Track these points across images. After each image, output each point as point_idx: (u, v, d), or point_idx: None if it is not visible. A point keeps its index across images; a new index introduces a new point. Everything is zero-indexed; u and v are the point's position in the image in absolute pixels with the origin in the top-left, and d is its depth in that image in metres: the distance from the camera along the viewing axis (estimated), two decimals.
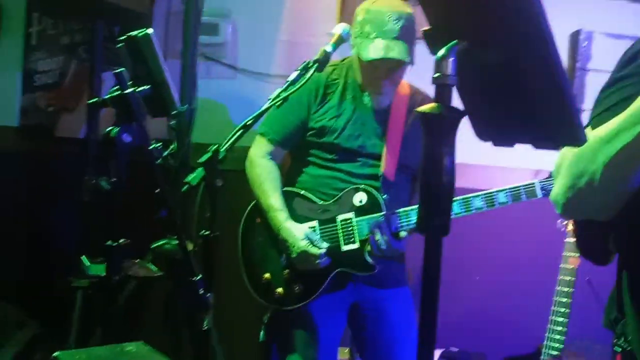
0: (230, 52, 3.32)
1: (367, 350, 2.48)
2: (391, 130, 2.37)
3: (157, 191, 1.78)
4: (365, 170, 2.37)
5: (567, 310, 2.45)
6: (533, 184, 2.18)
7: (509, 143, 0.92)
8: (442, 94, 0.81)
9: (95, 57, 2.93)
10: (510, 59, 0.81)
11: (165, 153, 1.78)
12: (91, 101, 1.85)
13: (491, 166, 3.14)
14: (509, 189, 2.21)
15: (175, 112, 1.87)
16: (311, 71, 2.27)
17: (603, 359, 2.76)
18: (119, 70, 1.74)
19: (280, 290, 2.36)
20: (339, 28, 2.43)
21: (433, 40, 0.88)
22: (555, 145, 0.90)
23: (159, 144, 1.78)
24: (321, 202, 2.37)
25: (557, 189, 1.19)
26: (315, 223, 2.35)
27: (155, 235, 2.67)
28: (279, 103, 2.20)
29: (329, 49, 2.34)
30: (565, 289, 2.47)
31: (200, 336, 2.04)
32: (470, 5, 0.83)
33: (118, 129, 1.70)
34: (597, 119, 1.16)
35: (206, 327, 2.02)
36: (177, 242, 2.55)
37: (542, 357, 2.49)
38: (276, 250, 2.37)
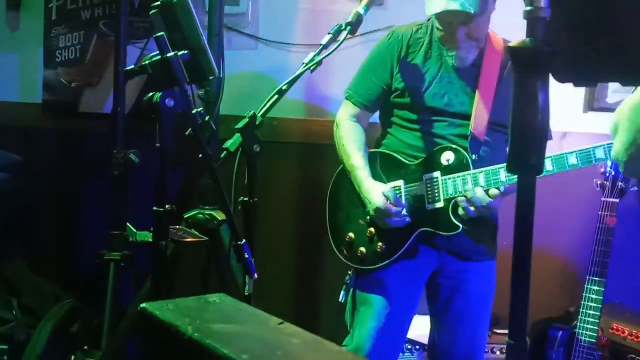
0: (251, 22, 3.29)
1: (439, 318, 2.46)
2: (482, 88, 2.30)
3: (200, 156, 1.77)
4: (453, 130, 2.32)
5: (605, 270, 2.44)
6: None
7: (592, 82, 0.90)
8: (535, 28, 0.79)
9: (118, 31, 2.90)
10: None
11: (207, 118, 1.77)
12: (128, 68, 1.83)
13: None
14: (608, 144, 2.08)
15: (213, 77, 1.86)
16: (344, 34, 2.25)
17: (636, 320, 2.77)
18: (159, 34, 1.72)
19: (362, 249, 2.36)
20: None
21: None
22: None
23: (200, 109, 1.76)
24: (407, 162, 2.35)
25: (618, 147, 1.15)
26: (400, 182, 2.33)
27: (186, 204, 2.68)
28: (313, 67, 2.18)
29: (361, 10, 2.31)
30: (603, 249, 2.46)
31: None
32: None
33: (160, 94, 1.68)
34: None
35: (248, 293, 2.03)
36: (210, 212, 2.57)
37: (580, 315, 2.48)
38: (360, 209, 2.37)
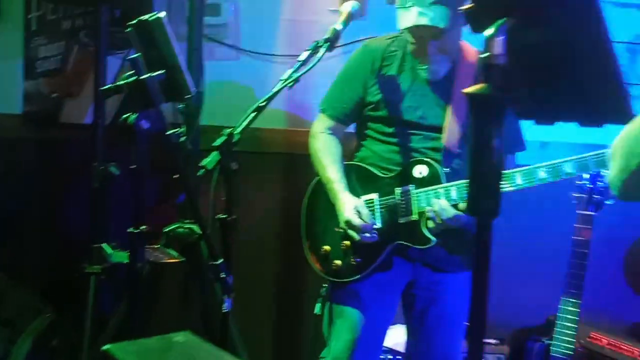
0: (232, 33, 3.29)
1: (415, 328, 2.48)
2: (455, 100, 2.31)
3: (175, 176, 1.78)
4: (427, 143, 2.34)
5: (580, 286, 2.46)
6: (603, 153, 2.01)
7: (551, 121, 0.92)
8: (491, 74, 0.80)
9: (99, 42, 2.89)
10: (560, 36, 0.80)
11: (183, 138, 1.77)
12: (105, 88, 1.83)
13: None
14: (577, 159, 2.10)
15: (189, 96, 1.86)
16: (322, 50, 2.26)
17: (614, 329, 2.81)
18: (134, 55, 1.72)
19: (338, 262, 2.37)
20: (348, 5, 2.41)
21: (476, 19, 0.87)
22: (601, 122, 0.90)
23: (177, 129, 1.77)
24: (382, 176, 2.37)
25: (612, 172, 1.17)
26: (375, 196, 2.35)
27: (165, 220, 2.68)
28: (290, 84, 2.19)
29: (339, 27, 2.32)
30: (578, 262, 2.48)
31: (219, 319, 2.05)
32: None
33: (136, 115, 1.68)
34: None
35: (225, 310, 2.04)
36: (190, 225, 2.57)
37: (555, 327, 2.51)
38: (336, 222, 2.38)
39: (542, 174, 2.13)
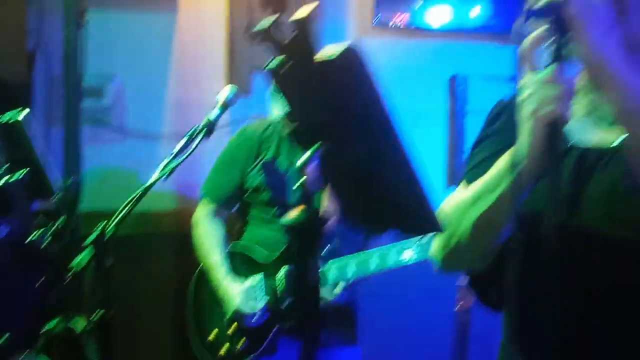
0: (117, 115, 3.26)
1: None
2: None
3: (43, 278, 1.71)
4: None
5: (465, 351, 2.53)
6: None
7: (381, 231, 0.96)
8: (307, 200, 0.83)
9: None
10: (367, 155, 0.85)
11: (49, 237, 1.71)
12: None
13: None
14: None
15: (57, 193, 1.82)
16: (198, 139, 2.27)
17: None
18: None
19: (225, 348, 2.36)
20: (224, 93, 2.43)
21: (300, 137, 0.91)
22: (420, 233, 0.95)
23: (42, 230, 1.71)
24: (264, 259, 2.38)
25: (434, 247, 1.26)
26: (259, 278, 2.36)
27: (45, 318, 2.55)
28: (166, 175, 2.18)
29: (212, 116, 2.33)
30: (461, 328, 2.55)
31: None
32: (325, 106, 0.86)
33: None
34: (469, 175, 1.24)
35: None
36: (68, 324, 2.46)
37: None
38: (221, 307, 2.37)
39: (408, 254, 2.21)
